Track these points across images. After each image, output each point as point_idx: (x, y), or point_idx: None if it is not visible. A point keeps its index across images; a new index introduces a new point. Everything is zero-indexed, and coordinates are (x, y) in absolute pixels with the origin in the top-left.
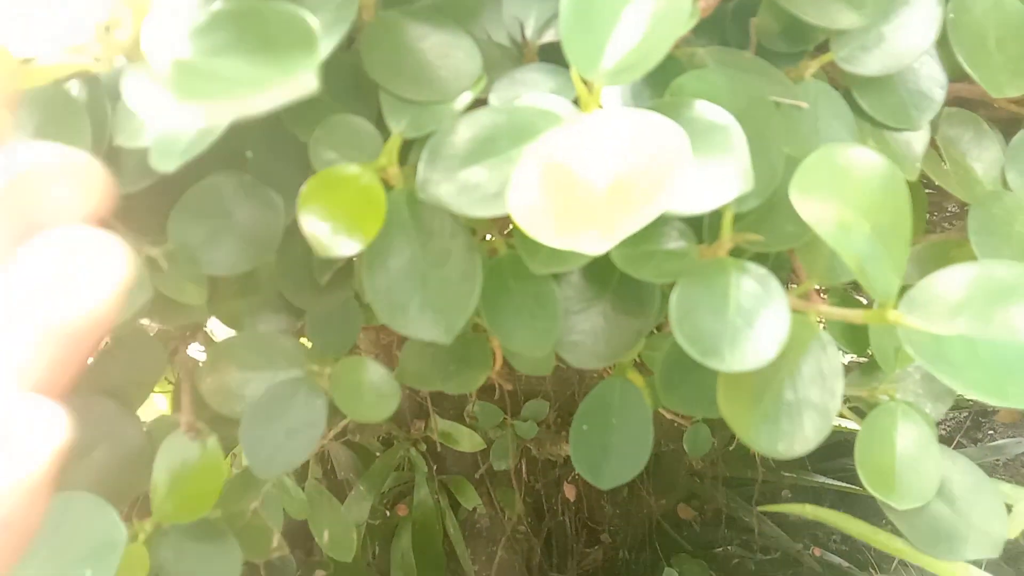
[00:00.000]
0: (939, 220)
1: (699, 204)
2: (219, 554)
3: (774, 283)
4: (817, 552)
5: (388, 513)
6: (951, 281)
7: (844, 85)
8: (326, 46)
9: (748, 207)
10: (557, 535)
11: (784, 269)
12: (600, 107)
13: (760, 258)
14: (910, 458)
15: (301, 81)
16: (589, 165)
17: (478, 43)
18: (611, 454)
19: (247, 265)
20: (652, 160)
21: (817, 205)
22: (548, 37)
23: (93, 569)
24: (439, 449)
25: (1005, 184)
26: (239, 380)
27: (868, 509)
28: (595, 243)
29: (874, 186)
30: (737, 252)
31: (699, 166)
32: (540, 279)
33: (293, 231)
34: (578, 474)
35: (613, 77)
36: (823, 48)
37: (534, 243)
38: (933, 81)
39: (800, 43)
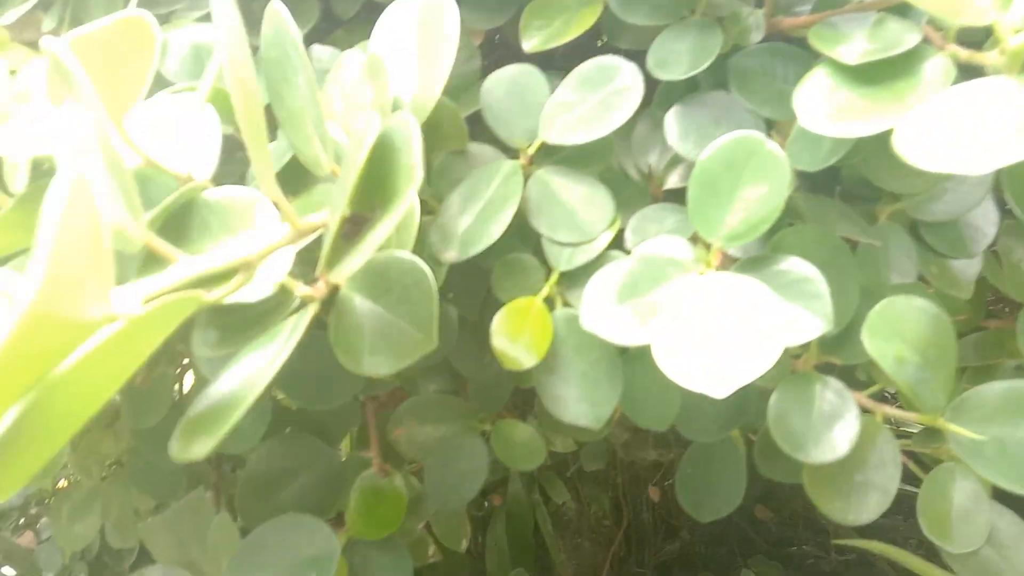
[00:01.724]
0: (1000, 306)
1: (791, 340)
2: (395, 562)
3: (848, 395)
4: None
5: (486, 504)
6: (986, 395)
7: (910, 221)
8: None
9: (830, 333)
10: (638, 530)
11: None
12: (716, 264)
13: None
14: (964, 510)
15: None
16: (711, 322)
17: (614, 178)
18: (712, 493)
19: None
20: (753, 321)
21: (880, 343)
22: (673, 183)
23: (316, 572)
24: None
25: None
26: (420, 432)
27: None
28: (717, 387)
29: (924, 327)
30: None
31: (792, 310)
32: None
33: (461, 325)
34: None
35: (728, 242)
36: (896, 196)
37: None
38: (987, 219)
39: (876, 191)
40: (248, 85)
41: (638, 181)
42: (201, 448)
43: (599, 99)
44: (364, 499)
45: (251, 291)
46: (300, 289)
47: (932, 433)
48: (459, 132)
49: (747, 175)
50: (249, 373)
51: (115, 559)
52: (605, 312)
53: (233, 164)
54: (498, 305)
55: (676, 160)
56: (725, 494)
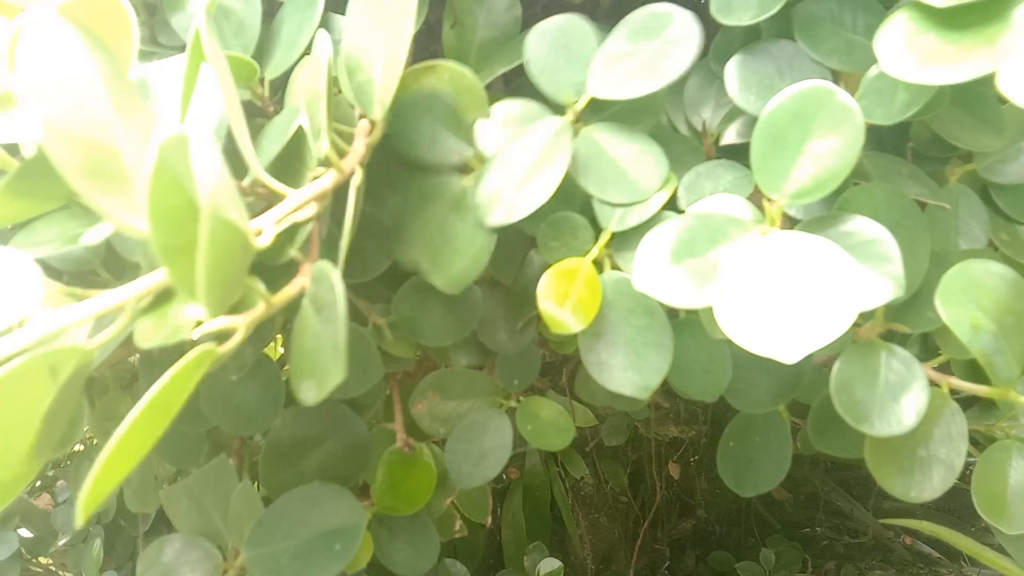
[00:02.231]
0: None
1: (860, 306)
2: (422, 536)
3: (916, 365)
4: (908, 541)
5: (503, 476)
6: None
7: (981, 184)
8: None
9: (897, 299)
10: (655, 507)
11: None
12: (779, 223)
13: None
14: (1021, 489)
15: None
16: (780, 283)
17: (663, 134)
18: (754, 468)
19: (451, 340)
20: (827, 283)
21: (955, 310)
22: (730, 138)
23: (341, 544)
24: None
25: None
26: (443, 407)
27: (957, 500)
28: (788, 352)
29: (1000, 293)
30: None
31: (863, 272)
32: (715, 342)
33: (489, 295)
34: (683, 454)
35: (794, 199)
36: (967, 157)
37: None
38: None
39: (947, 151)
40: None
41: (689, 137)
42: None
43: (653, 49)
44: (391, 473)
45: None
46: None
47: (989, 408)
48: (478, 101)
49: (817, 128)
50: None
51: (131, 523)
52: (659, 272)
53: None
54: (533, 271)
55: (732, 115)
56: (769, 469)
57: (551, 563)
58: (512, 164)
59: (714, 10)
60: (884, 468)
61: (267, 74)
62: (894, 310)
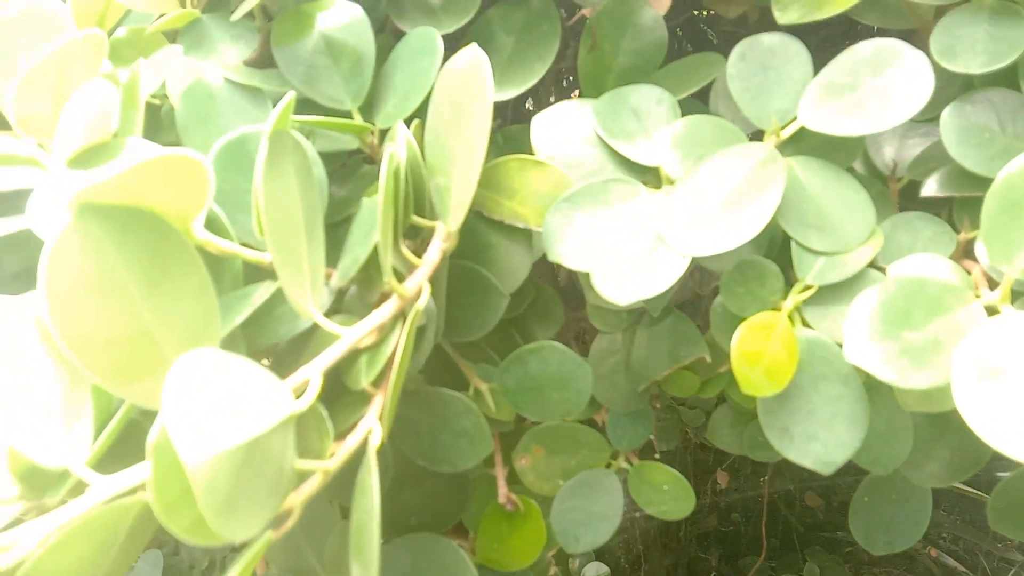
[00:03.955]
0: None
1: None
2: None
3: None
4: (934, 553)
5: None
6: None
7: None
8: None
9: None
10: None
11: None
12: (1010, 298)
13: None
14: None
15: None
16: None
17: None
18: (889, 527)
19: (558, 418)
20: None
21: None
22: (930, 190)
23: None
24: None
25: None
26: (548, 463)
27: (980, 512)
28: None
29: None
30: None
31: None
32: (897, 410)
33: (607, 354)
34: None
35: None
36: None
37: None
38: None
39: None
40: None
41: (871, 179)
42: None
43: (878, 87)
44: (496, 526)
45: None
46: None
47: None
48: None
49: None
50: None
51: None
52: (874, 345)
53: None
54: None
55: (925, 159)
56: (906, 527)
57: (597, 567)
58: (706, 190)
59: (935, 52)
60: None
61: (377, 123)
62: None
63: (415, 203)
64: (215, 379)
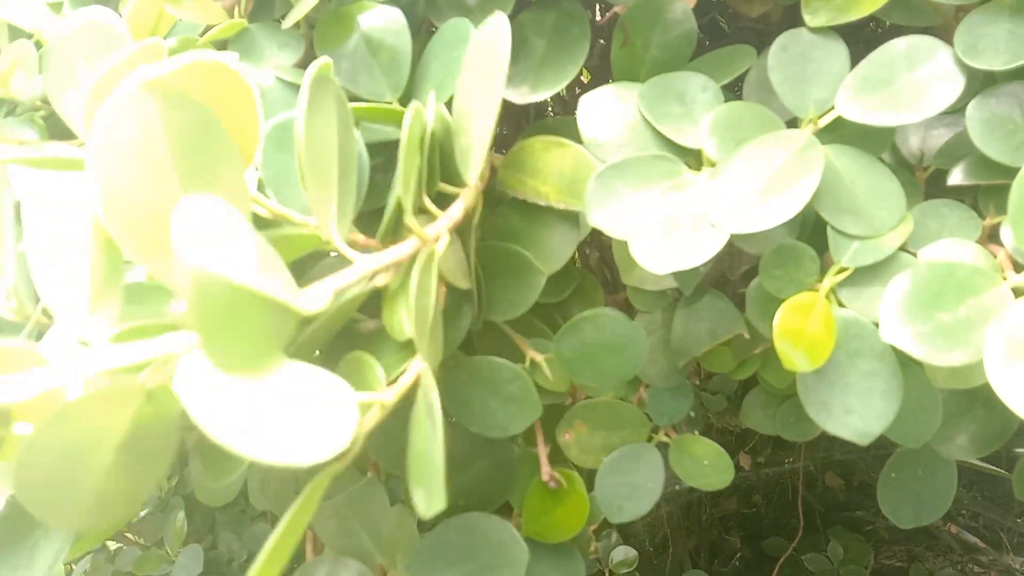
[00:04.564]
0: None
1: None
2: (568, 561)
3: None
4: (954, 530)
5: None
6: None
7: None
8: None
9: None
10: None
11: None
12: None
13: None
14: None
15: None
16: None
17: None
18: (917, 500)
19: (614, 383)
20: None
21: None
22: (956, 179)
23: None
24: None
25: None
26: (591, 438)
27: (1000, 489)
28: None
29: None
30: None
31: None
32: (927, 386)
33: (646, 333)
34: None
35: None
36: None
37: None
38: None
39: None
40: None
41: (899, 168)
42: None
43: (914, 81)
44: (541, 501)
45: None
46: None
47: None
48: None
49: None
50: None
51: None
52: (909, 325)
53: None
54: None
55: (951, 149)
56: (932, 501)
57: (625, 551)
58: (748, 172)
59: (959, 50)
60: None
61: None
62: None
63: (443, 170)
64: (225, 222)
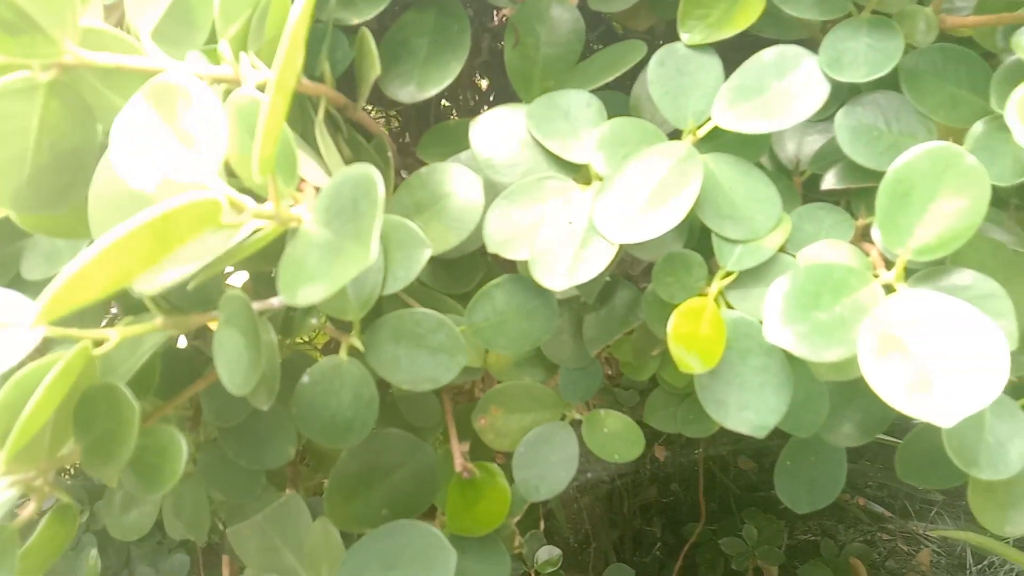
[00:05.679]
0: None
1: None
2: (493, 554)
3: (1020, 414)
4: (862, 502)
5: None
6: None
7: None
8: None
9: None
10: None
11: None
12: (899, 275)
13: None
14: None
15: None
16: (926, 344)
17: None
18: (811, 486)
19: (528, 348)
20: (977, 347)
21: None
22: (829, 183)
23: None
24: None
25: None
26: (506, 421)
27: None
28: (946, 417)
29: None
30: None
31: None
32: (814, 379)
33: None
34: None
35: (917, 255)
36: None
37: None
38: None
39: None
40: None
41: (778, 174)
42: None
43: (783, 89)
44: (462, 496)
45: None
46: None
47: None
48: None
49: (944, 188)
50: None
51: None
52: (789, 325)
53: None
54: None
55: (824, 155)
56: (825, 487)
57: (549, 550)
58: (633, 184)
59: (822, 64)
60: (984, 505)
61: None
62: None
63: None
64: None
